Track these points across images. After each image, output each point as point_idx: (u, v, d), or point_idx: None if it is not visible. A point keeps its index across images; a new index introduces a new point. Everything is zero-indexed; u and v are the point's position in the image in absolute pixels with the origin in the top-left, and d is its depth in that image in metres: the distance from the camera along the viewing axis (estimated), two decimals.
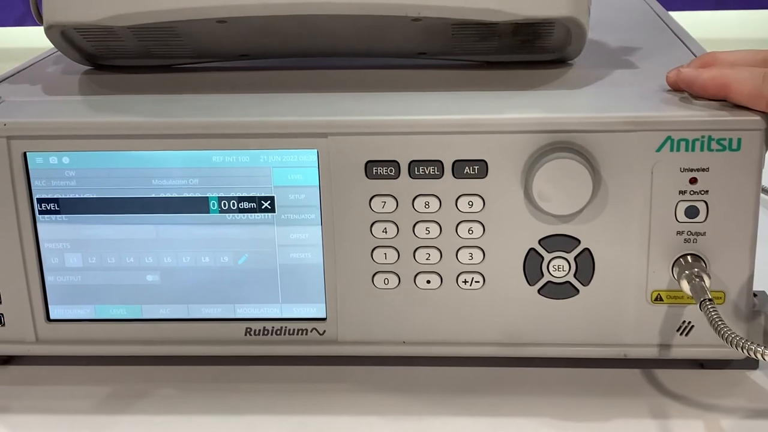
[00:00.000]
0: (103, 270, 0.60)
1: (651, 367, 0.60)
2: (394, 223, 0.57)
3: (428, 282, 0.58)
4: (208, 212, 0.58)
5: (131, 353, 0.61)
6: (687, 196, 0.55)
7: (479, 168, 0.56)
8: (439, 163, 0.56)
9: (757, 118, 0.54)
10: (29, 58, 0.73)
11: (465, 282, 0.58)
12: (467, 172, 0.56)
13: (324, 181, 0.57)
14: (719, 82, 0.55)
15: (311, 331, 0.60)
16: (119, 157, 0.57)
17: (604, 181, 0.55)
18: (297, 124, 0.56)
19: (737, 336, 0.51)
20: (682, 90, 0.57)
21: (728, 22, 1.63)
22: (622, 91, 0.59)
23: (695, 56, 0.64)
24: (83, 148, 0.57)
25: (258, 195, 0.57)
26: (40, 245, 0.59)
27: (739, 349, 0.50)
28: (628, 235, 0.56)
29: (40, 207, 0.58)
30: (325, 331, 0.60)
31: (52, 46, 0.63)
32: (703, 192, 0.55)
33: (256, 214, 0.58)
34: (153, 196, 0.58)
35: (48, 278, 0.60)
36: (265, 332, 0.60)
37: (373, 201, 0.57)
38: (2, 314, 0.60)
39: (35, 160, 0.58)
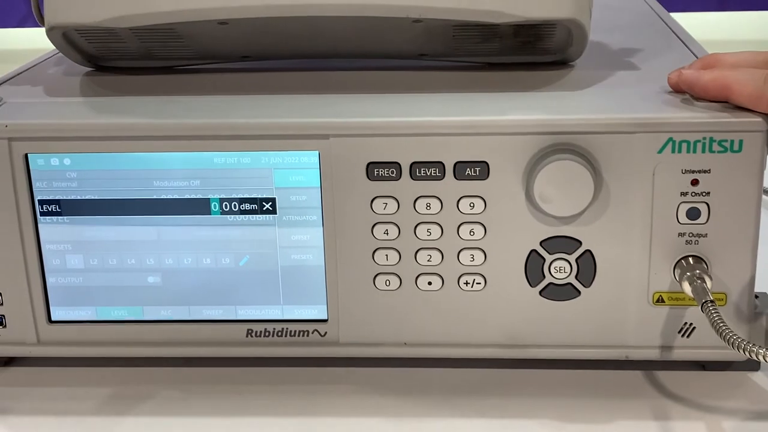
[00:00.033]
0: (105, 271, 0.60)
1: (652, 369, 0.60)
2: (396, 225, 0.57)
3: (429, 283, 0.58)
4: (210, 214, 0.58)
5: (132, 355, 0.61)
6: (688, 198, 0.55)
7: (480, 169, 0.56)
8: (440, 165, 0.56)
9: (759, 119, 0.54)
10: (31, 59, 0.73)
11: (466, 283, 0.58)
12: (468, 173, 0.56)
13: (325, 182, 0.57)
14: (720, 83, 0.55)
15: (312, 333, 0.60)
16: (121, 158, 0.57)
17: (605, 183, 0.55)
18: (298, 125, 0.56)
19: (739, 338, 0.51)
20: (683, 91, 0.57)
21: (730, 24, 1.62)
22: (623, 93, 0.59)
23: (697, 58, 0.64)
24: (85, 149, 0.57)
25: (259, 196, 0.57)
26: (41, 247, 0.59)
27: (741, 351, 0.50)
28: (630, 237, 0.56)
29: (42, 208, 0.58)
30: (326, 333, 0.60)
31: (54, 47, 0.63)
32: (704, 193, 0.55)
33: (257, 216, 0.58)
34: (154, 197, 0.58)
35: (49, 280, 0.60)
36: (267, 334, 0.60)
37: (374, 202, 0.57)
38: (3, 316, 0.60)
39: (37, 161, 0.58)
